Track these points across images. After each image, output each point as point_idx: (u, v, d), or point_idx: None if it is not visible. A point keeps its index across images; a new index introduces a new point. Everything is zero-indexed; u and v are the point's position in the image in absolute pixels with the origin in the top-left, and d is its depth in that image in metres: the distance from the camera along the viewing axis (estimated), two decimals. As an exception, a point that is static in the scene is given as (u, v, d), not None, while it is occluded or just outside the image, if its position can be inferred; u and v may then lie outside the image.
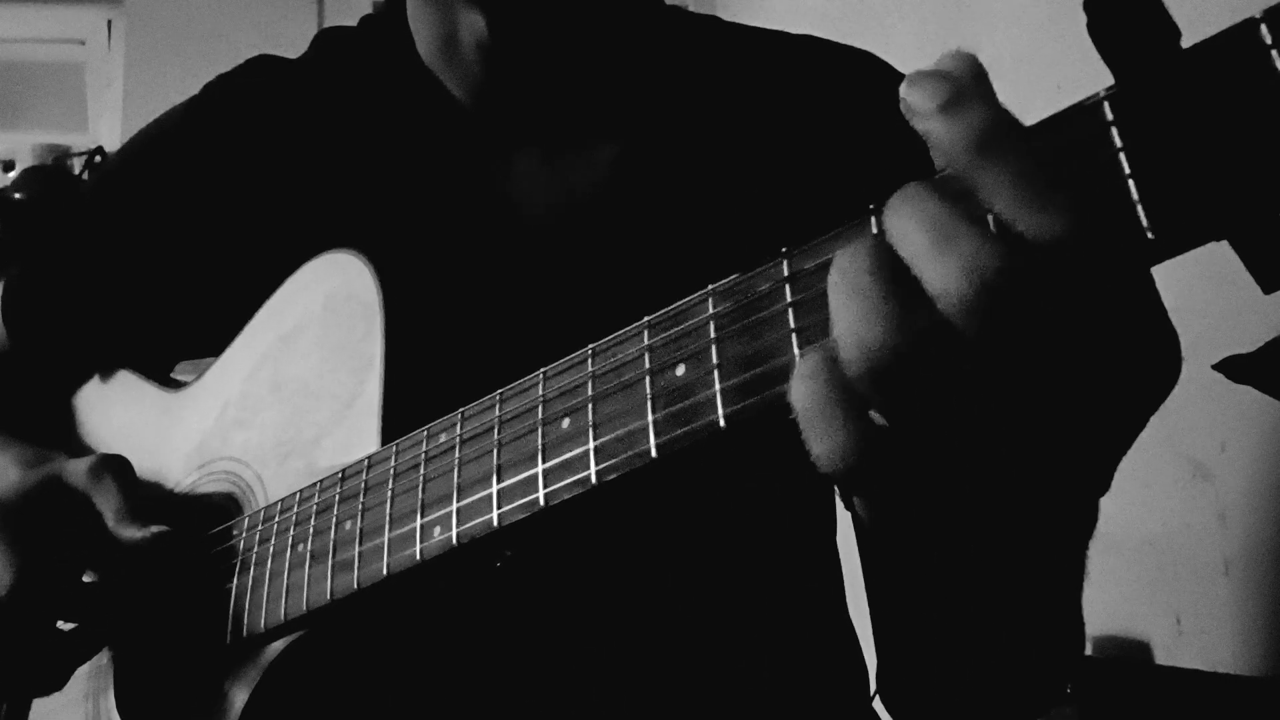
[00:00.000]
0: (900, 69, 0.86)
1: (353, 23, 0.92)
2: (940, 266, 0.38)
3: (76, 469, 0.78)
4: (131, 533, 0.75)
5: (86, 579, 0.84)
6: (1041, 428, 0.42)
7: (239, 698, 0.71)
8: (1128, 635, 1.34)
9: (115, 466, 0.78)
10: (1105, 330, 0.41)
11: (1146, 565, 1.32)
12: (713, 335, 0.49)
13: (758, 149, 0.80)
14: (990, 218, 0.38)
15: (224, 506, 0.80)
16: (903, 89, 0.39)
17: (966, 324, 0.38)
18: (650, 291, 0.57)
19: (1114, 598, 1.35)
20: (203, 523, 0.80)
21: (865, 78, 0.83)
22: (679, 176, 0.80)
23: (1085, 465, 0.50)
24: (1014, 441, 0.42)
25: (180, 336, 0.91)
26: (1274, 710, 1.11)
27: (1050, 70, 1.49)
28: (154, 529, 0.75)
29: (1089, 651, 1.35)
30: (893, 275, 0.39)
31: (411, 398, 0.70)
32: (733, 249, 0.72)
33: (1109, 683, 1.20)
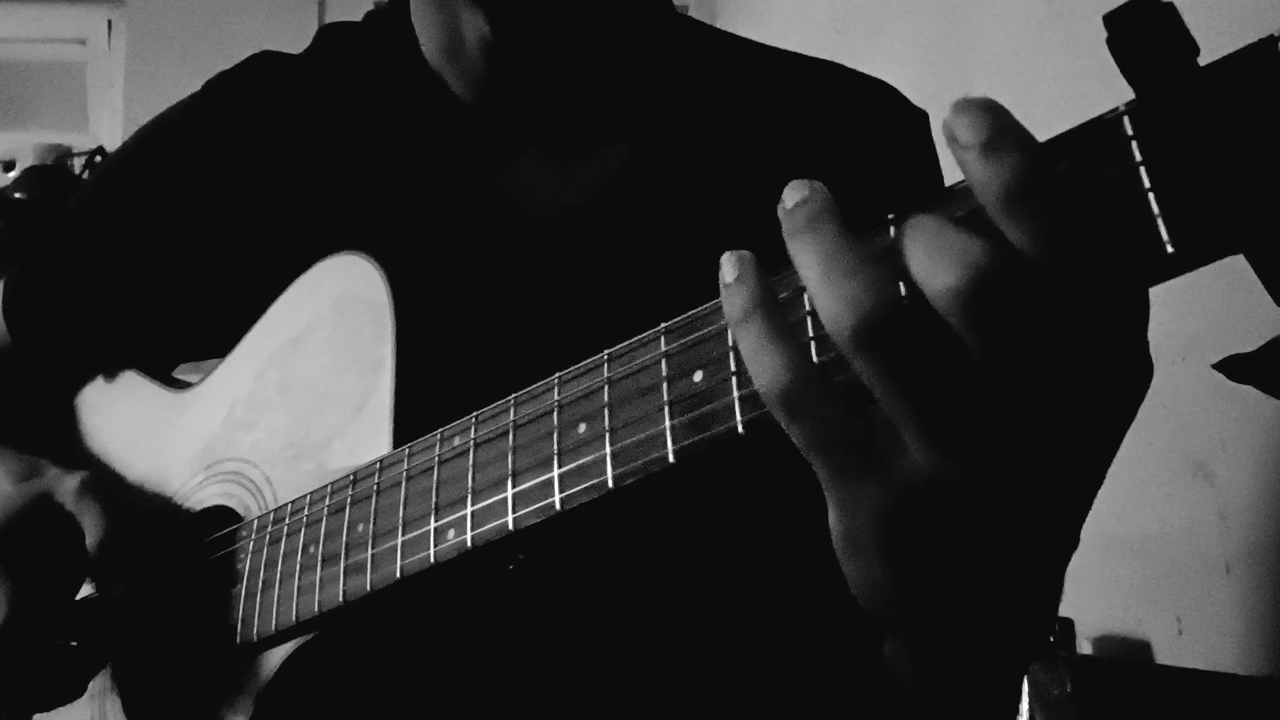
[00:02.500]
0: (900, 70, 0.86)
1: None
2: (929, 262, 0.40)
3: (65, 488, 0.78)
4: (102, 570, 0.78)
5: (88, 588, 0.85)
6: (1041, 438, 0.43)
7: (247, 700, 0.71)
8: (1128, 635, 1.34)
9: (98, 491, 0.78)
10: (1100, 341, 0.41)
11: (1146, 565, 1.32)
12: (730, 342, 0.49)
13: (766, 162, 0.80)
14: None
15: (231, 508, 0.80)
16: (948, 117, 0.40)
17: (949, 311, 0.40)
18: (657, 293, 0.57)
19: (1114, 598, 1.36)
20: (210, 523, 0.80)
21: (878, 108, 0.83)
22: (687, 180, 0.80)
23: (1077, 480, 0.50)
24: (1015, 449, 0.43)
25: (182, 336, 0.91)
26: (1274, 710, 1.12)
27: (1048, 70, 1.49)
28: (122, 576, 0.78)
29: (1089, 651, 1.36)
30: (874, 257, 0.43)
31: (422, 400, 0.70)
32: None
33: (1109, 683, 1.21)
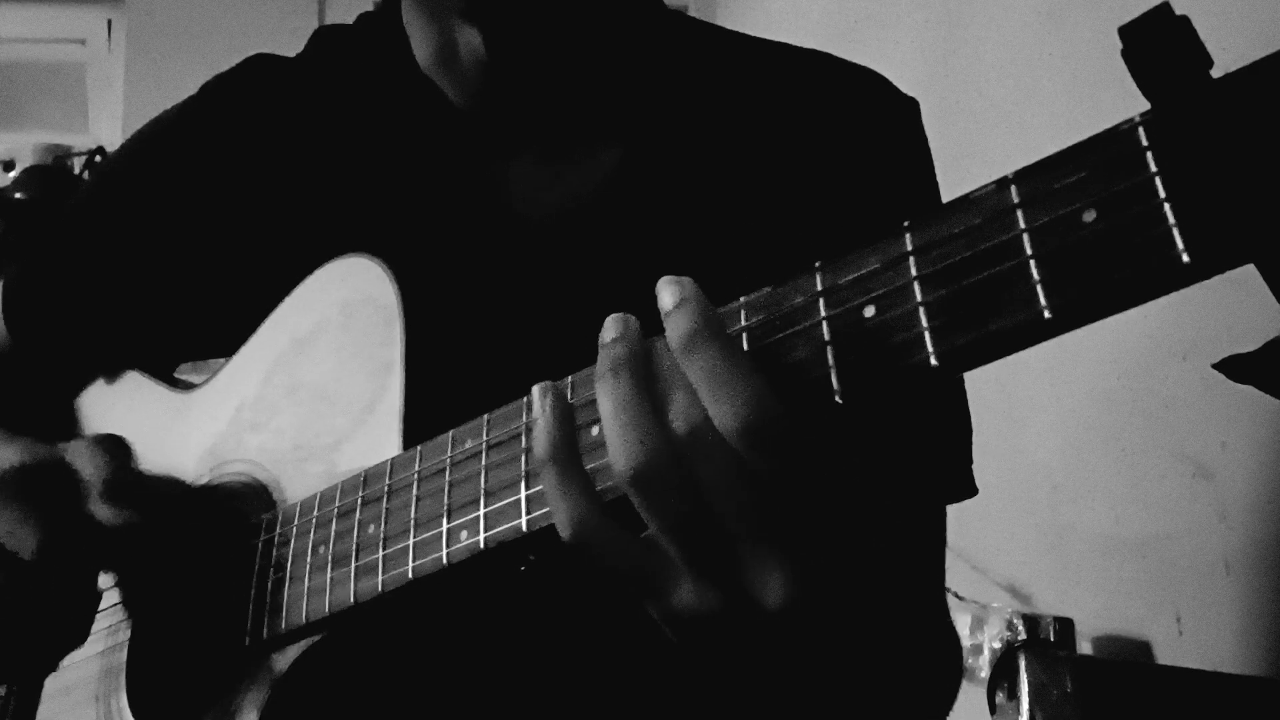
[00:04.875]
0: (901, 71, 0.86)
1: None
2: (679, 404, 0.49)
3: (73, 446, 0.75)
4: (104, 511, 0.71)
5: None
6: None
7: (257, 700, 0.72)
8: (1128, 635, 1.34)
9: (108, 443, 0.75)
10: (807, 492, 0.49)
11: (1146, 565, 1.32)
12: (746, 347, 0.50)
13: (759, 158, 0.81)
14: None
15: (239, 508, 0.80)
16: (658, 286, 0.50)
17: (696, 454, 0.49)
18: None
19: (1114, 598, 1.36)
20: (218, 523, 0.80)
21: (868, 97, 0.84)
22: (681, 180, 0.80)
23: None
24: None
25: (182, 337, 0.91)
26: (1274, 710, 1.12)
27: (1048, 73, 1.50)
28: (126, 512, 0.71)
29: (1089, 651, 1.36)
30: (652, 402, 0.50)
31: (430, 402, 0.70)
32: (733, 254, 0.73)
33: (1109, 683, 1.21)
